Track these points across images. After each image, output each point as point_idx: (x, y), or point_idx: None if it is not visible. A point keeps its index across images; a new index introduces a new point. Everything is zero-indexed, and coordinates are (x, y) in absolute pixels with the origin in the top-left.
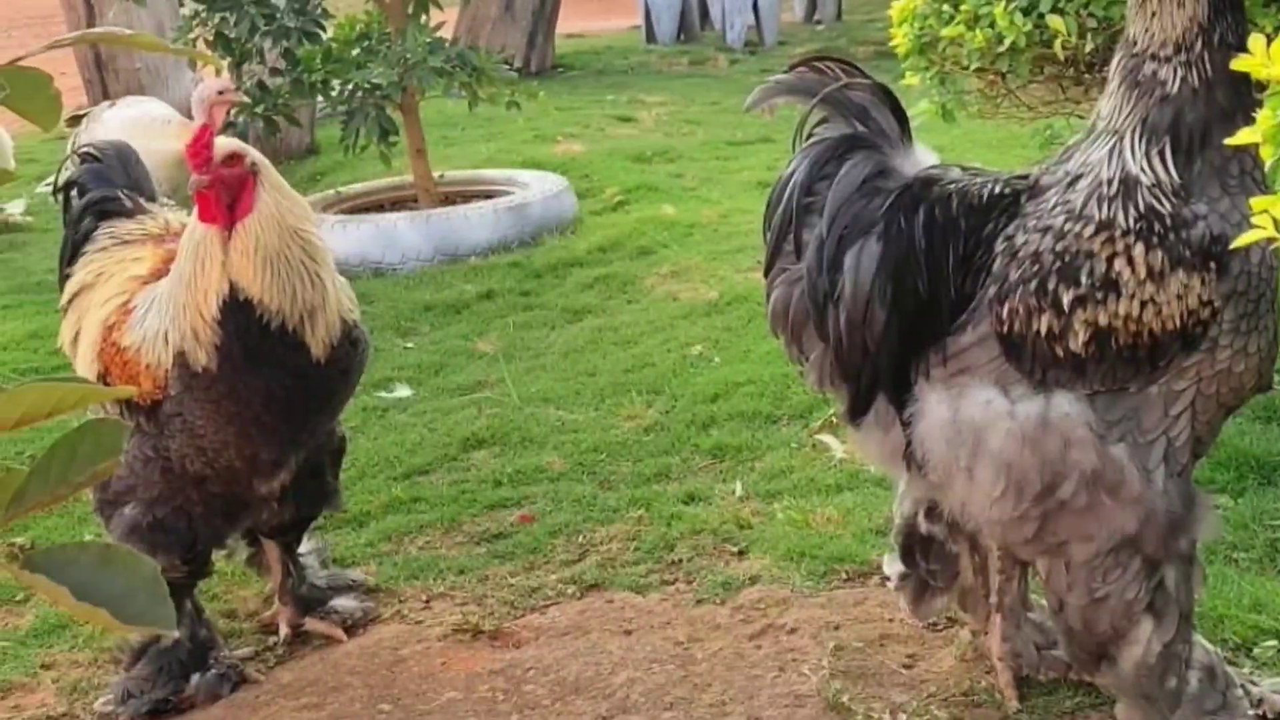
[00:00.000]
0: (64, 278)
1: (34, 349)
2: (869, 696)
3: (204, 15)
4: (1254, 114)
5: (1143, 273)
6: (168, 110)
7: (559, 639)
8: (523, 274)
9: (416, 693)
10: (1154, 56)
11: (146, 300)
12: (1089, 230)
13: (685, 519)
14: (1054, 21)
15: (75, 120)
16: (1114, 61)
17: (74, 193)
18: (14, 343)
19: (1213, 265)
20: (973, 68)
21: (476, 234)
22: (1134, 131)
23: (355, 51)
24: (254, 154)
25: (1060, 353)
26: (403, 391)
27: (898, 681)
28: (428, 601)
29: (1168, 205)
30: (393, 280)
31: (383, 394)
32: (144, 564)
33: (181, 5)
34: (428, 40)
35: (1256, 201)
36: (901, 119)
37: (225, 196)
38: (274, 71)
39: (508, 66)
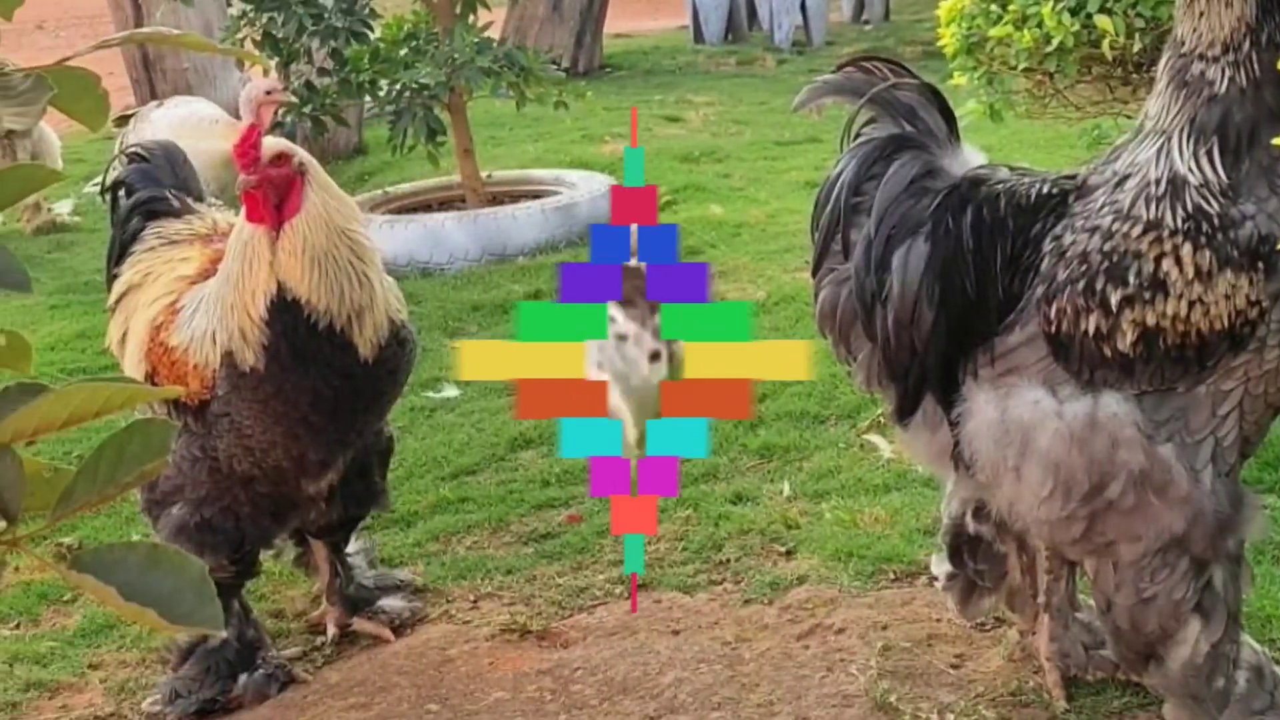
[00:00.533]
0: (111, 278)
1: (82, 349)
2: (917, 696)
3: (251, 15)
4: None
5: (1190, 273)
6: (215, 110)
7: (607, 639)
8: None
9: (464, 693)
10: (1202, 56)
11: (194, 300)
12: (1137, 230)
13: (733, 519)
14: (1102, 21)
15: (123, 120)
16: (1162, 61)
17: (122, 193)
18: (62, 342)
19: (1260, 265)
20: (1020, 68)
21: (524, 234)
22: (1182, 131)
23: (403, 51)
24: (302, 154)
25: (1108, 353)
26: (450, 391)
27: (945, 681)
28: (475, 601)
29: (1215, 205)
30: (440, 280)
31: (430, 394)
32: (192, 564)
33: (229, 5)
34: (475, 40)
35: None
36: (949, 119)
37: (273, 196)
38: (322, 71)
39: (555, 66)
